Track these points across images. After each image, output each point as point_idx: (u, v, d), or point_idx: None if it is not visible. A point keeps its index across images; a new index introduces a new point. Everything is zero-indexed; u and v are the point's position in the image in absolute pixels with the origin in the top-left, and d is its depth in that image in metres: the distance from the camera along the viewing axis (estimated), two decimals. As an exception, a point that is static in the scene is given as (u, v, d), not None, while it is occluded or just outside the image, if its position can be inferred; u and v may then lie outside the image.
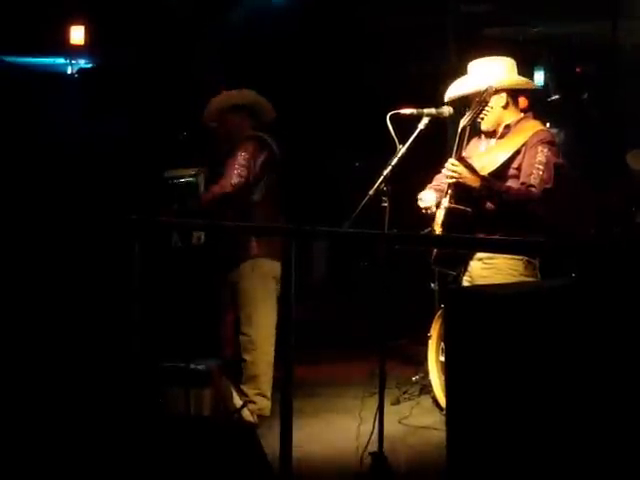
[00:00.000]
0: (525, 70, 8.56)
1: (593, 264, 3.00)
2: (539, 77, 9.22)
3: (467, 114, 4.31)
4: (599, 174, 7.14)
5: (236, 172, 5.02)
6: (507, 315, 2.82)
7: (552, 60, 9.23)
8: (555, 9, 8.09)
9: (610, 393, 2.70)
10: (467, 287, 4.37)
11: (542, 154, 4.38)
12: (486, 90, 4.28)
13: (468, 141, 4.46)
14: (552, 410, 2.73)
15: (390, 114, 4.21)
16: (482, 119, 4.42)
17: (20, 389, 4.90)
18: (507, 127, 4.53)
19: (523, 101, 7.55)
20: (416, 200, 4.61)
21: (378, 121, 4.28)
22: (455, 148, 4.36)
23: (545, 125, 4.61)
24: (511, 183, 4.40)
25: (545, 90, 9.14)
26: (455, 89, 4.52)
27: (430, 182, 4.71)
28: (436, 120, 4.36)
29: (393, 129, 4.19)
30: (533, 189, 4.32)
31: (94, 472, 4.12)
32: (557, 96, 9.05)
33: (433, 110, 4.34)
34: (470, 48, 4.66)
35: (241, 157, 5.05)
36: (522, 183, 4.36)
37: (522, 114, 4.56)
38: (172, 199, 5.22)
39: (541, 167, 4.35)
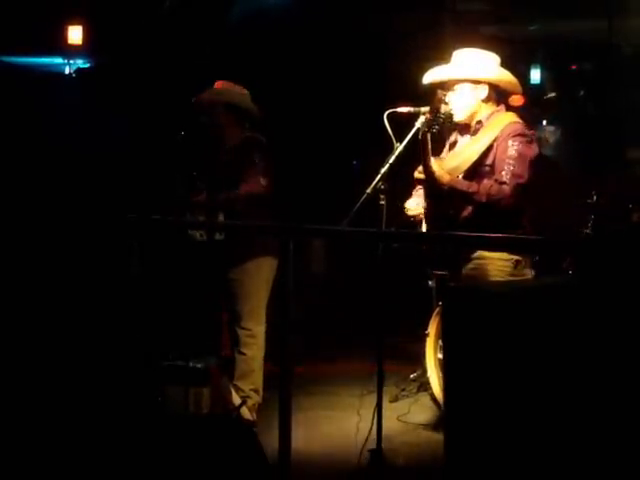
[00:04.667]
0: (521, 68, 8.63)
1: (591, 261, 3.01)
2: (535, 75, 9.25)
3: (424, 121, 4.25)
4: (595, 171, 7.16)
5: (262, 174, 5.07)
6: (505, 312, 2.83)
7: (548, 58, 9.25)
8: (551, 7, 8.12)
9: (609, 390, 2.71)
10: (465, 285, 4.38)
11: (512, 148, 4.36)
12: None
13: (441, 142, 4.45)
14: (551, 408, 2.74)
15: (387, 112, 4.22)
16: (435, 126, 4.41)
17: (19, 387, 4.92)
18: (479, 123, 4.53)
19: (519, 99, 7.60)
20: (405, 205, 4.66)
21: (375, 119, 4.29)
22: (421, 155, 4.34)
23: (518, 117, 4.58)
24: (486, 180, 4.40)
25: (541, 88, 9.17)
26: (436, 75, 4.53)
27: (415, 186, 4.74)
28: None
29: (390, 127, 4.21)
30: (505, 186, 4.31)
31: (93, 470, 4.14)
32: (553, 94, 9.08)
33: (430, 108, 4.35)
34: (466, 46, 4.66)
35: (258, 158, 5.09)
36: (494, 180, 4.36)
37: (495, 108, 4.57)
38: (192, 193, 5.24)
39: (512, 162, 4.34)
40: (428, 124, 4.23)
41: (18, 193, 7.01)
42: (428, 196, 4.48)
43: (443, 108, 4.32)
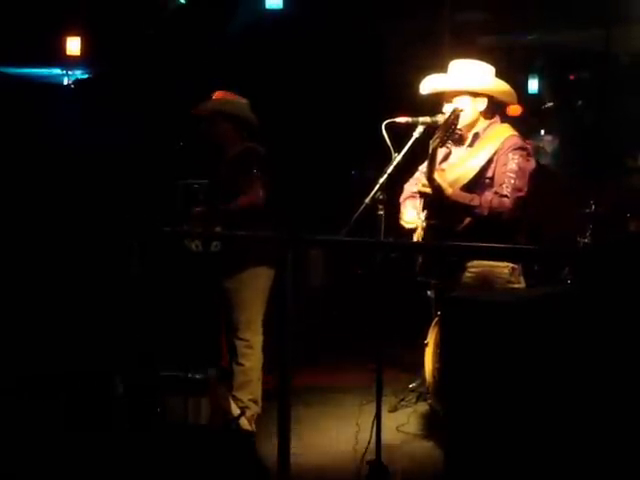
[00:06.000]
0: (519, 78, 8.65)
1: (590, 271, 3.02)
2: (533, 84, 9.28)
3: (436, 136, 4.29)
4: (594, 180, 7.16)
5: (259, 185, 5.07)
6: (504, 322, 2.83)
7: (546, 67, 9.28)
8: (549, 17, 8.14)
9: (610, 398, 2.71)
10: (464, 295, 4.38)
11: (513, 162, 4.40)
12: (453, 112, 4.29)
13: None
14: (550, 417, 2.74)
15: (385, 123, 4.22)
16: (452, 141, 4.43)
17: (19, 394, 4.92)
18: (476, 135, 4.55)
19: (517, 109, 7.60)
20: (400, 216, 4.66)
21: (373, 129, 4.30)
22: (427, 169, 4.37)
23: (513, 129, 4.60)
24: (487, 192, 4.42)
25: (539, 97, 9.20)
26: (435, 85, 4.55)
27: (402, 191, 4.76)
28: (431, 128, 4.39)
29: (388, 137, 4.21)
30: (505, 199, 4.34)
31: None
32: (551, 103, 9.10)
33: (428, 118, 4.36)
34: (465, 56, 4.68)
35: (256, 170, 5.10)
36: (495, 193, 4.38)
37: (491, 119, 4.58)
38: (190, 203, 5.25)
39: (512, 175, 4.37)
40: (442, 140, 4.26)
41: (19, 203, 7.02)
42: (429, 208, 4.48)
43: (441, 118, 4.34)
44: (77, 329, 5.88)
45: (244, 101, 5.32)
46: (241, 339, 5.11)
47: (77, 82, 8.62)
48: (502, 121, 4.64)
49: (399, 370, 6.26)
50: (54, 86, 8.70)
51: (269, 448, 4.04)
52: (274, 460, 3.61)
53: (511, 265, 4.43)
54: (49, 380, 5.13)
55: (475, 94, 4.52)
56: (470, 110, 4.50)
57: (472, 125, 4.54)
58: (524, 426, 2.76)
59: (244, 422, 5.01)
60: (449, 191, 4.36)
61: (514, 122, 4.81)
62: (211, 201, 5.17)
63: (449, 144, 4.46)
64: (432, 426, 5.25)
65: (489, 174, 4.44)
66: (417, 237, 4.56)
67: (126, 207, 6.49)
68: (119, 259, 4.46)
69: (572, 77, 9.32)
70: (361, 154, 7.74)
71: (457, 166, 4.53)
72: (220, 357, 5.38)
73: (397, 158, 4.23)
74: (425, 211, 4.53)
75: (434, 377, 5.08)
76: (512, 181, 4.35)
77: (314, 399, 5.83)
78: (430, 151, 4.32)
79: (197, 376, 4.86)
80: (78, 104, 8.29)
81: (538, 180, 4.53)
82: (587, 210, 6.26)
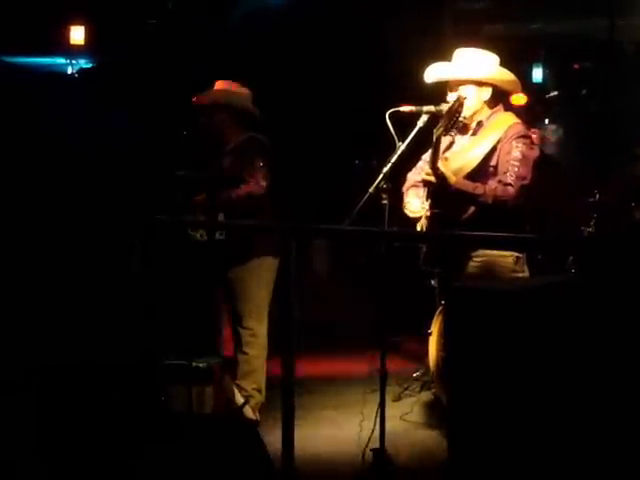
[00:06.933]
0: (523, 67, 8.63)
1: (594, 260, 3.02)
2: (537, 74, 9.26)
3: (440, 124, 4.29)
4: (598, 170, 7.16)
5: (261, 174, 5.06)
6: (508, 311, 2.83)
7: (550, 56, 9.25)
8: (553, 5, 8.12)
9: (612, 389, 2.71)
10: (468, 284, 4.38)
11: (517, 150, 4.40)
12: (457, 99, 4.29)
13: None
14: (554, 407, 2.74)
15: (389, 112, 4.22)
16: (455, 130, 4.43)
17: (22, 384, 4.92)
18: (479, 123, 4.56)
19: (522, 98, 7.58)
20: (405, 205, 4.67)
21: (377, 118, 4.30)
22: (431, 157, 4.37)
23: (516, 118, 4.61)
24: (491, 181, 4.41)
25: (543, 86, 9.18)
26: (440, 74, 4.55)
27: (404, 181, 4.76)
28: (435, 117, 4.38)
29: (392, 127, 4.21)
30: (509, 188, 4.34)
31: (95, 470, 4.14)
32: (555, 92, 9.08)
33: (432, 107, 4.36)
34: (468, 45, 4.68)
35: (259, 159, 5.09)
36: (499, 181, 4.37)
37: (494, 108, 4.58)
38: (192, 194, 5.26)
39: (516, 163, 4.37)
40: (446, 127, 4.25)
41: (20, 193, 7.02)
42: (433, 197, 4.49)
43: (445, 107, 4.34)
44: (78, 321, 5.89)
45: (245, 91, 5.31)
46: (245, 328, 5.13)
47: (81, 71, 8.61)
48: (505, 110, 4.64)
49: (403, 359, 6.27)
50: (58, 75, 8.68)
51: (273, 437, 4.05)
52: (278, 448, 3.61)
53: (515, 254, 4.43)
54: (49, 372, 5.14)
55: (480, 83, 4.52)
56: (475, 99, 4.50)
57: (475, 114, 4.54)
58: (528, 415, 2.76)
59: (248, 411, 5.03)
60: (453, 179, 4.36)
61: (518, 111, 4.82)
62: (212, 191, 5.17)
63: (453, 132, 4.46)
64: (436, 415, 5.26)
65: (493, 162, 4.45)
66: (421, 226, 4.56)
67: (127, 201, 6.49)
68: (120, 253, 4.48)
69: (576, 66, 9.30)
70: (365, 143, 7.72)
71: (461, 155, 4.53)
72: (220, 346, 5.38)
73: (401, 147, 4.23)
74: (429, 200, 4.53)
75: (438, 366, 5.08)
76: (516, 169, 4.35)
77: (318, 388, 5.84)
78: (434, 139, 4.32)
79: (201, 365, 4.87)
80: (82, 94, 8.28)
81: (542, 169, 4.54)
82: (591, 199, 6.25)
